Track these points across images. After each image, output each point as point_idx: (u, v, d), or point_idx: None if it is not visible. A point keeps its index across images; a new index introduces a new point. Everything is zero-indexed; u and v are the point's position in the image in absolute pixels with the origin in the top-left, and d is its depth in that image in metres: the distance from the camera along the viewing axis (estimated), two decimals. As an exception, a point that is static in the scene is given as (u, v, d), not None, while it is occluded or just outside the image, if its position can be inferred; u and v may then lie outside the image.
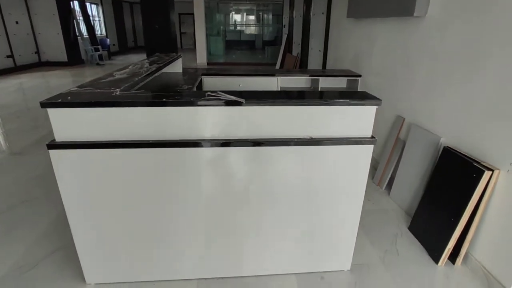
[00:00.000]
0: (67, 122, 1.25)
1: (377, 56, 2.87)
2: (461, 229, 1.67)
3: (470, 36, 1.74)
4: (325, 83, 3.36)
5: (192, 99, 1.26)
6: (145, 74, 1.84)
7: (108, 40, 11.65)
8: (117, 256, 1.52)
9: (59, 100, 1.21)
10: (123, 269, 1.56)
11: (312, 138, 1.37)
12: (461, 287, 1.61)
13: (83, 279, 1.57)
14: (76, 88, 1.42)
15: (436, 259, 1.76)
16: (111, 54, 11.77)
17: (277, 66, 8.26)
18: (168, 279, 1.60)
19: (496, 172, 1.54)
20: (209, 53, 10.20)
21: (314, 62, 5.44)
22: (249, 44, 16.33)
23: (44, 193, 2.42)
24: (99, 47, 9.94)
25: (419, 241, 1.93)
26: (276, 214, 1.51)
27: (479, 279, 1.64)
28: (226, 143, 1.33)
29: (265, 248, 1.59)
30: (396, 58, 2.53)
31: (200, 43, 9.19)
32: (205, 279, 1.61)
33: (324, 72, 3.44)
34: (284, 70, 3.72)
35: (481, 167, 1.57)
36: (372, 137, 1.41)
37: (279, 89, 3.28)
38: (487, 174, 1.54)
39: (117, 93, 1.34)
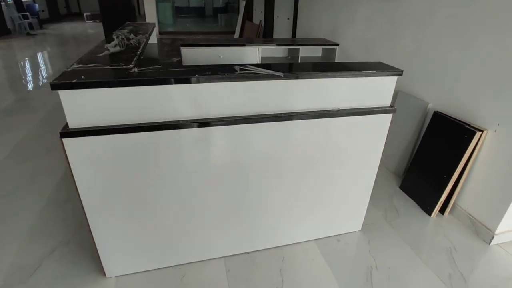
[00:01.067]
0: (84, 106, 1.09)
1: (358, 25, 2.92)
2: (452, 184, 1.89)
3: (460, 6, 1.86)
4: (300, 52, 3.35)
5: (227, 75, 1.18)
6: (141, 47, 1.65)
7: (36, 5, 10.05)
8: (139, 245, 1.44)
9: (74, 80, 1.04)
10: (145, 257, 1.49)
11: (339, 110, 1.39)
12: (453, 232, 1.85)
13: (102, 273, 1.47)
14: (80, 66, 1.23)
15: (429, 212, 1.99)
16: (42, 22, 10.23)
17: (236, 35, 7.99)
18: (194, 261, 1.58)
19: (484, 132, 1.74)
20: (157, 21, 9.42)
21: (280, 30, 5.36)
22: (199, 11, 15.45)
23: (15, 187, 2.14)
24: (27, 14, 8.55)
25: (412, 198, 2.14)
26: (300, 184, 1.54)
27: (466, 225, 1.90)
28: (254, 119, 1.28)
29: (287, 218, 1.63)
30: (379, 26, 2.60)
31: (149, 11, 8.41)
32: (232, 256, 1.62)
33: (302, 41, 3.43)
34: (263, 40, 3.61)
35: (472, 129, 1.76)
36: (391, 106, 1.48)
37: (260, 60, 3.21)
38: (477, 134, 1.73)
39: (136, 70, 1.19)
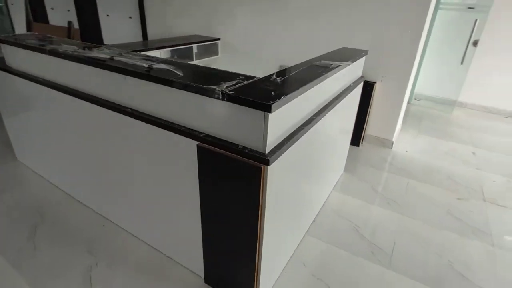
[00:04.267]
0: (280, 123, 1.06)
1: (241, 18, 3.31)
2: (366, 124, 2.90)
3: None
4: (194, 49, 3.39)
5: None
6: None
7: None
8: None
9: (278, 100, 0.99)
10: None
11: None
12: (375, 149, 2.92)
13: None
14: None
15: (357, 144, 2.96)
16: None
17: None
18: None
19: (376, 83, 2.79)
20: None
21: (116, 33, 4.75)
22: None
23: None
24: None
25: (341, 140, 3.03)
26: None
27: (375, 143, 3.01)
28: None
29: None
30: (266, 19, 3.15)
31: None
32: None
33: (190, 39, 3.43)
34: (165, 41, 3.19)
35: (371, 82, 2.76)
36: (362, 76, 2.15)
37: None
38: (375, 85, 2.76)
39: (278, 79, 1.20)
